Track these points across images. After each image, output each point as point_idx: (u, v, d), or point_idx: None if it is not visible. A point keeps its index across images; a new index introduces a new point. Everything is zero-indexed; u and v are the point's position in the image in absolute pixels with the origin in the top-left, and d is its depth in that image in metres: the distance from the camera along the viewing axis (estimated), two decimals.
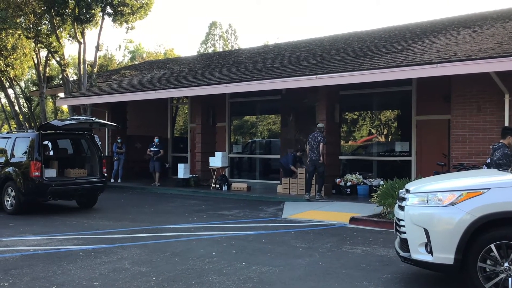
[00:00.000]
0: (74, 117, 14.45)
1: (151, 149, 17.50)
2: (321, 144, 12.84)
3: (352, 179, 14.05)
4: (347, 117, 16.43)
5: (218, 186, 15.84)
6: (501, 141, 8.81)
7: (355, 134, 16.47)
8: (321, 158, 12.85)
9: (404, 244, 5.42)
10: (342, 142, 16.04)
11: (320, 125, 13.28)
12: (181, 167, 17.02)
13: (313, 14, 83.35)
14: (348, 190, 13.83)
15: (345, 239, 8.33)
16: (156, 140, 17.61)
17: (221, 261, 6.71)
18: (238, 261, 6.71)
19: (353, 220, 9.90)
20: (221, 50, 50.17)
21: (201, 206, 12.75)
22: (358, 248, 7.59)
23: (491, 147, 8.91)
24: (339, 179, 14.20)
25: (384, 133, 15.93)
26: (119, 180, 18.58)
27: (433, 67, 10.74)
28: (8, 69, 22.27)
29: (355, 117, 16.58)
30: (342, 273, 6.13)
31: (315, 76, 12.69)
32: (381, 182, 12.52)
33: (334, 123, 14.56)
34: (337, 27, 77.65)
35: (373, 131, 16.01)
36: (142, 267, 6.40)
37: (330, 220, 10.25)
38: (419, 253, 5.17)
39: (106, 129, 19.16)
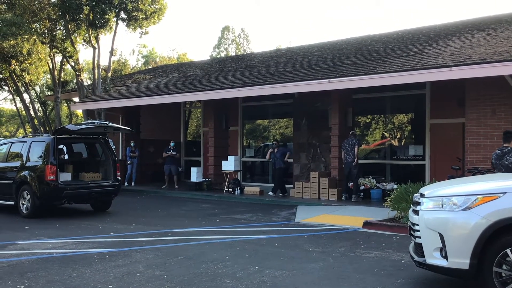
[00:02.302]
0: (89, 121, 14.56)
1: (168, 152, 17.69)
2: (356, 146, 13.38)
3: (366, 183, 14.01)
4: (360, 120, 16.36)
5: (231, 189, 15.89)
6: (505, 144, 8.61)
7: (368, 138, 16.38)
8: (355, 160, 13.30)
9: (419, 248, 5.39)
10: None
11: (353, 131, 14.14)
12: (194, 171, 17.13)
13: (324, 18, 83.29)
14: (362, 194, 13.78)
15: (359, 243, 8.29)
16: (172, 144, 17.80)
17: (234, 265, 6.72)
18: (251, 265, 6.72)
19: (366, 224, 9.85)
20: (233, 54, 50.32)
21: (214, 209, 12.78)
22: (372, 252, 7.55)
23: (498, 151, 8.62)
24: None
25: (398, 136, 15.83)
26: (132, 184, 18.74)
27: (447, 71, 10.67)
28: (23, 74, 22.58)
29: (368, 120, 16.50)
30: (356, 277, 6.10)
31: (328, 80, 12.67)
32: (395, 186, 12.45)
33: (347, 127, 14.59)
34: (350, 30, 77.50)
35: (386, 134, 15.92)
36: (156, 270, 6.44)
37: (344, 224, 10.21)
38: (434, 258, 5.13)
39: (120, 133, 19.31)
